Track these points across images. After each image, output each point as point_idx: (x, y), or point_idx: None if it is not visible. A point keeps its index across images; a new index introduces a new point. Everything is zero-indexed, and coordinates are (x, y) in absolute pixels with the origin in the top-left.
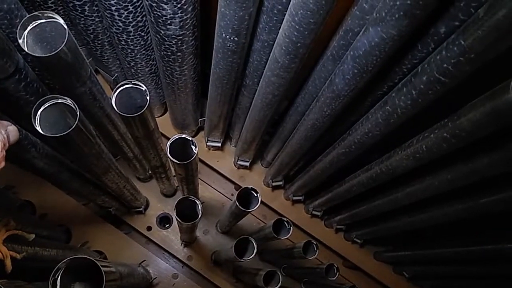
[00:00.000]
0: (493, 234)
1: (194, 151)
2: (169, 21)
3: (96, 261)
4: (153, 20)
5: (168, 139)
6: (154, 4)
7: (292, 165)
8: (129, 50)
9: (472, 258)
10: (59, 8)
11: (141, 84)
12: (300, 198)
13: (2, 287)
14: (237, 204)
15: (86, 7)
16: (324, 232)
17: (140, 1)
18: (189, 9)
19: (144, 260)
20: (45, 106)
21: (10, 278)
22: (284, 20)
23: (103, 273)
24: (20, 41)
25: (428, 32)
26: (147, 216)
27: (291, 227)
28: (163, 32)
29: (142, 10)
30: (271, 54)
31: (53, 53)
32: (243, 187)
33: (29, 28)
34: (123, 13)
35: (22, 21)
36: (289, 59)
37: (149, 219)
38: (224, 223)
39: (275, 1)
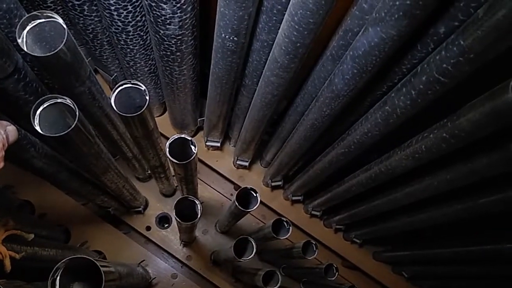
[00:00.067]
0: (493, 234)
1: (194, 151)
2: (168, 21)
3: (95, 261)
4: (152, 20)
5: (167, 139)
6: (153, 4)
7: (292, 165)
8: (128, 50)
9: (472, 258)
10: (58, 8)
11: (140, 84)
12: (299, 198)
13: (2, 287)
14: (236, 204)
15: (85, 7)
16: (323, 232)
17: (139, 1)
18: (189, 9)
19: (143, 260)
20: (44, 105)
21: (9, 278)
22: (284, 20)
23: (102, 273)
24: (19, 40)
25: (427, 32)
26: (146, 216)
27: (290, 227)
28: (162, 31)
29: (141, 9)
30: (270, 54)
31: (52, 52)
32: (242, 187)
33: (28, 27)
34: (122, 13)
35: (21, 20)
36: (289, 59)
37: (148, 219)
38: (224, 223)
39: (275, 1)
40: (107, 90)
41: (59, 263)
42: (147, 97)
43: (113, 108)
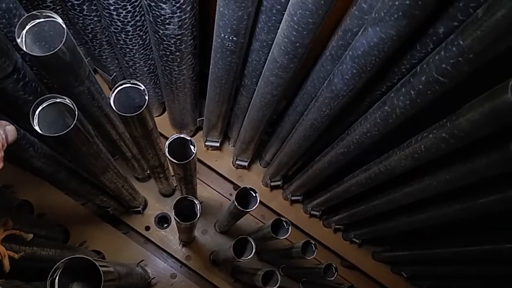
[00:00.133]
0: (492, 234)
1: (193, 151)
2: (167, 21)
3: (94, 261)
4: (151, 20)
5: (167, 138)
6: (152, 4)
7: (291, 165)
8: (127, 50)
9: (471, 258)
10: (58, 7)
11: (140, 84)
12: (299, 198)
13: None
14: (236, 204)
15: (84, 7)
16: (322, 232)
17: (139, 1)
18: (188, 8)
19: (143, 260)
20: (43, 105)
21: (8, 278)
22: (283, 20)
23: (101, 273)
24: (19, 40)
25: (427, 32)
26: (145, 216)
27: (290, 227)
28: (161, 31)
29: (141, 9)
30: (269, 54)
31: (51, 52)
32: (241, 187)
33: (27, 27)
34: (122, 13)
35: (21, 20)
36: (288, 59)
37: (147, 219)
38: (223, 223)
39: (274, 1)
40: (106, 90)
41: (58, 263)
42: (147, 97)
43: (112, 108)
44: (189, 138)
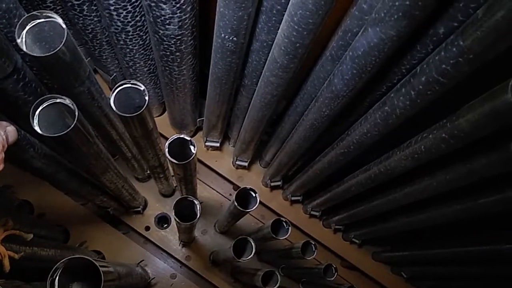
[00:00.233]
0: (492, 234)
1: (193, 151)
2: (168, 21)
3: (94, 261)
4: (152, 20)
5: (167, 139)
6: (153, 4)
7: (291, 165)
8: (127, 50)
9: (471, 259)
10: (58, 8)
11: (140, 84)
12: (299, 198)
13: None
14: (236, 204)
15: (84, 7)
16: (322, 232)
17: (139, 1)
18: (188, 9)
19: (143, 260)
20: (44, 105)
21: (8, 278)
22: (283, 21)
23: (101, 273)
24: (19, 40)
25: (427, 33)
26: (145, 216)
27: (290, 227)
28: (162, 32)
29: (141, 10)
30: (270, 54)
31: (51, 52)
32: (241, 187)
33: (27, 27)
34: (122, 13)
35: (21, 20)
36: (288, 59)
37: (147, 219)
38: (223, 223)
39: (274, 1)
40: (106, 90)
41: (58, 263)
42: (147, 97)
43: (113, 108)
44: (189, 139)
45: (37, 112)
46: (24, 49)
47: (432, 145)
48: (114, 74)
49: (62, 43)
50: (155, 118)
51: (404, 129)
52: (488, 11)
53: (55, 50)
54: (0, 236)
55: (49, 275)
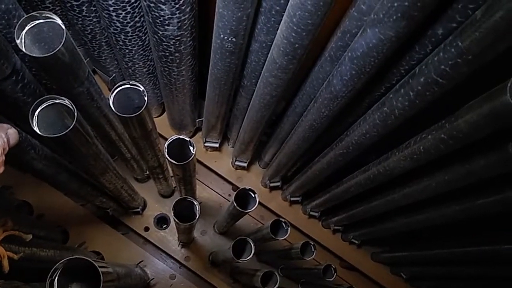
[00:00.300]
0: (490, 235)
1: (192, 151)
2: (167, 22)
3: (93, 262)
4: (151, 21)
5: (166, 139)
6: (152, 5)
7: (290, 166)
8: (127, 51)
9: (470, 259)
10: (57, 8)
11: (139, 85)
12: (298, 199)
13: None
14: (235, 205)
15: (84, 7)
16: (321, 233)
17: (138, 2)
18: (187, 9)
19: (142, 261)
20: (43, 106)
21: (7, 278)
22: (282, 21)
23: (101, 274)
24: (18, 41)
25: (425, 34)
26: (144, 217)
27: (289, 228)
28: (161, 32)
29: (140, 10)
30: (269, 55)
31: (50, 53)
32: (240, 187)
33: (26, 28)
34: (121, 14)
35: (20, 21)
36: (287, 60)
37: (146, 220)
38: (222, 224)
39: (273, 2)
40: (105, 90)
41: (57, 264)
42: (146, 98)
43: (112, 109)
44: (188, 139)
45: (36, 113)
46: (23, 49)
47: (431, 146)
48: (113, 74)
49: (61, 43)
50: (154, 119)
51: (403, 130)
52: (486, 12)
53: (54, 51)
54: (0, 236)
55: (48, 276)
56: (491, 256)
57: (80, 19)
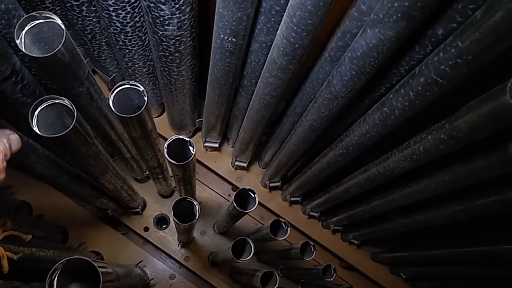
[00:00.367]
0: (490, 235)
1: (192, 151)
2: (167, 22)
3: (93, 262)
4: (151, 21)
5: (166, 139)
6: (152, 5)
7: (290, 166)
8: (126, 51)
9: (469, 259)
10: (57, 8)
11: (139, 85)
12: (298, 199)
13: None
14: (235, 205)
15: (83, 7)
16: (321, 233)
17: (138, 2)
18: (187, 9)
19: (141, 261)
20: (43, 106)
21: (7, 278)
22: (282, 21)
23: (100, 274)
24: (18, 41)
25: (425, 34)
26: (144, 217)
27: (289, 228)
28: (161, 32)
29: (140, 10)
30: (269, 55)
31: (50, 53)
32: (240, 188)
33: (26, 28)
34: (121, 14)
35: (20, 21)
36: (287, 60)
37: (146, 220)
38: (222, 224)
39: (273, 2)
40: (105, 90)
41: (57, 264)
42: (146, 98)
43: (112, 109)
44: (188, 139)
45: (36, 113)
46: (23, 49)
47: (431, 146)
48: (113, 74)
49: (61, 43)
50: (154, 119)
51: (403, 130)
52: (486, 13)
53: (54, 51)
54: None
55: (48, 276)
56: (491, 256)
57: (80, 19)
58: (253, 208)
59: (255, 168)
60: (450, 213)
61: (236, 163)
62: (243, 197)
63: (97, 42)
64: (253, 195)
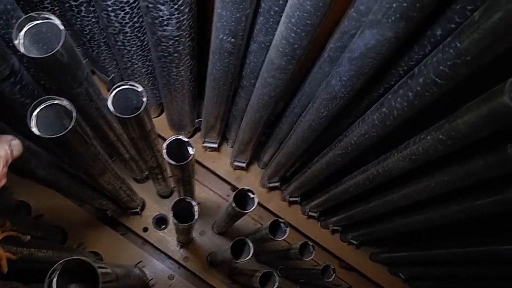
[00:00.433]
0: (489, 235)
1: (191, 152)
2: (165, 22)
3: (92, 263)
4: (149, 21)
5: (165, 140)
6: (150, 5)
7: (289, 166)
8: (125, 51)
9: (468, 259)
10: (56, 9)
11: (138, 85)
12: (297, 199)
13: None
14: (234, 205)
15: (82, 8)
16: (320, 233)
17: (137, 2)
18: (186, 10)
19: (140, 261)
20: (41, 107)
21: (6, 279)
22: (281, 22)
23: (99, 274)
24: (16, 42)
25: (424, 34)
26: (143, 217)
27: (288, 228)
28: (159, 33)
29: (139, 11)
30: (267, 56)
31: (49, 54)
32: (239, 188)
33: (25, 29)
34: (120, 14)
35: (18, 22)
36: (286, 61)
37: (145, 220)
38: (221, 224)
39: (272, 2)
40: (104, 91)
41: (56, 265)
42: (145, 99)
43: (110, 109)
44: (187, 140)
45: (34, 114)
46: (22, 50)
47: (429, 147)
48: (112, 75)
49: (60, 44)
50: (153, 119)
51: (402, 130)
52: (485, 13)
53: (53, 52)
54: None
55: (47, 277)
56: (490, 256)
57: (78, 19)
58: (252, 209)
59: (254, 168)
60: (449, 213)
61: (235, 163)
62: (242, 198)
63: (96, 43)
64: (252, 196)
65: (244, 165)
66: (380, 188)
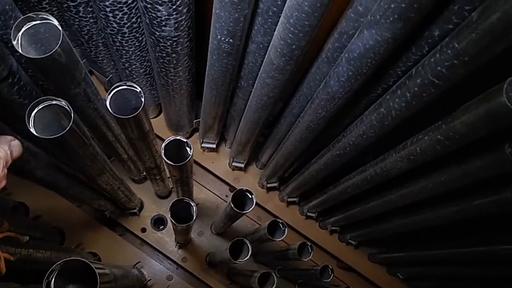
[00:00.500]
0: (487, 235)
1: (189, 152)
2: (164, 23)
3: (90, 263)
4: (148, 22)
5: (163, 140)
6: (149, 6)
7: (287, 167)
8: (123, 51)
9: (466, 260)
10: (54, 9)
11: (136, 86)
12: (295, 199)
13: None
14: (232, 206)
15: (80, 8)
16: (318, 233)
17: (135, 3)
18: (184, 10)
19: (139, 262)
20: (39, 107)
21: (4, 280)
22: (279, 22)
23: (97, 275)
24: (14, 42)
25: (422, 35)
26: (141, 218)
27: (286, 229)
28: (158, 33)
29: (137, 11)
30: (266, 56)
31: (47, 54)
32: (237, 188)
33: (23, 29)
34: (118, 14)
35: (16, 22)
36: (284, 61)
37: (143, 221)
38: (219, 225)
39: (270, 3)
40: (102, 91)
41: (54, 265)
42: (143, 99)
43: (109, 110)
44: (185, 140)
45: (33, 114)
46: (20, 51)
47: (427, 147)
48: (110, 75)
49: (58, 45)
50: (151, 120)
51: (400, 131)
52: (483, 14)
53: (51, 52)
54: None
55: (45, 277)
56: (488, 256)
57: (77, 20)
58: (251, 209)
59: (253, 169)
60: (447, 214)
61: (233, 163)
62: (240, 198)
63: (94, 43)
64: (250, 196)
65: (242, 165)
66: (378, 188)
